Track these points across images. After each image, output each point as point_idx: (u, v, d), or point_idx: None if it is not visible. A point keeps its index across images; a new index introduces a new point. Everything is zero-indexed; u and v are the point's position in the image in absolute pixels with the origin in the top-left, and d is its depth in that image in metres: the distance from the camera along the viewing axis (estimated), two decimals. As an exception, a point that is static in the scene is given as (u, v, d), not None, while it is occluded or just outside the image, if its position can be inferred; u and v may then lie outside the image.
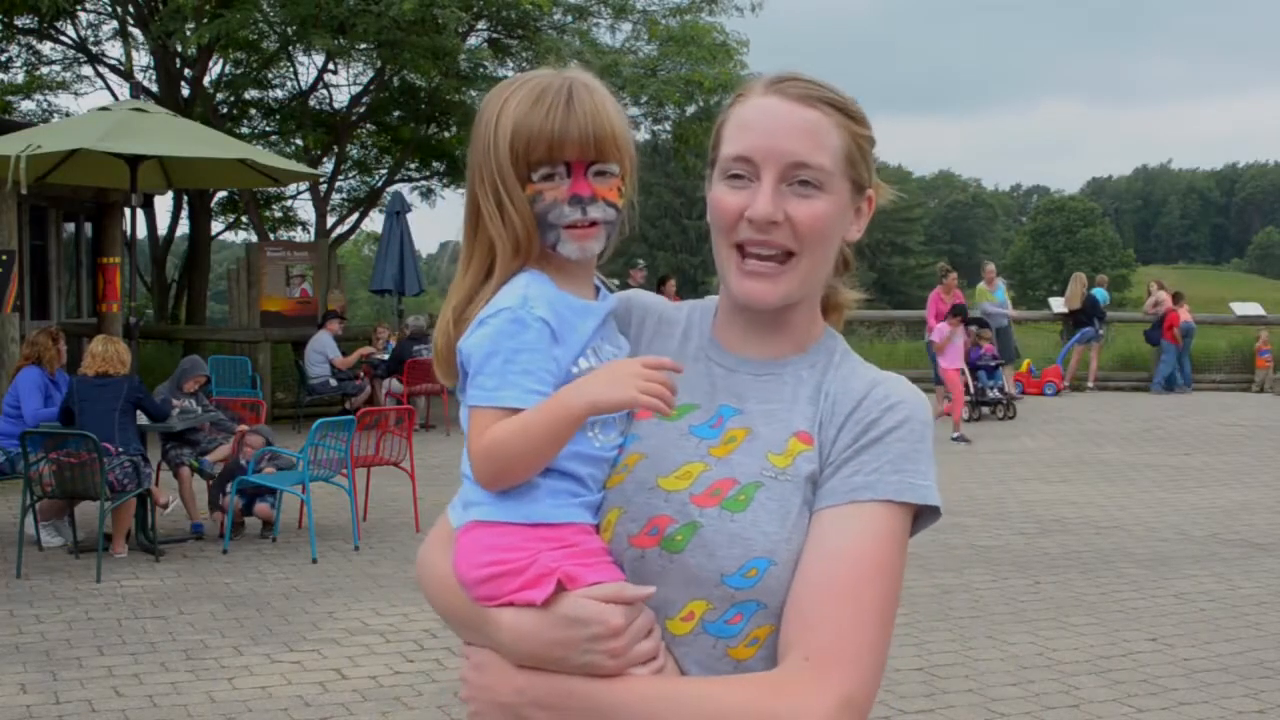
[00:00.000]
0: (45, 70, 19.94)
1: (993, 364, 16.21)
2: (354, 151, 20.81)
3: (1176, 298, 19.68)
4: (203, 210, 19.11)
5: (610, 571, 1.47)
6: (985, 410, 15.88)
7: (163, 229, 21.00)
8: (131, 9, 17.28)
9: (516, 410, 1.46)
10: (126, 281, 13.82)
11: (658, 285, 16.41)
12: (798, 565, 1.47)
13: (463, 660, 1.57)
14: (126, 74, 18.52)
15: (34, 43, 19.10)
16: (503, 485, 1.48)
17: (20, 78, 19.85)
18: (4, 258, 11.51)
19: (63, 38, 18.82)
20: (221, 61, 18.32)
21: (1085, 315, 19.44)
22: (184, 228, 21.03)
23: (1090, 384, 19.52)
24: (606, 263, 1.60)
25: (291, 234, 22.17)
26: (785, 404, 1.57)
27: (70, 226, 15.26)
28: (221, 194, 20.25)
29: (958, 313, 14.24)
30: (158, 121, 9.85)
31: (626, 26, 17.62)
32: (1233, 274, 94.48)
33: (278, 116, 19.92)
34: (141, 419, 8.35)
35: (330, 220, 19.80)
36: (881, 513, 1.49)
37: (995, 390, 16.09)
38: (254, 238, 19.22)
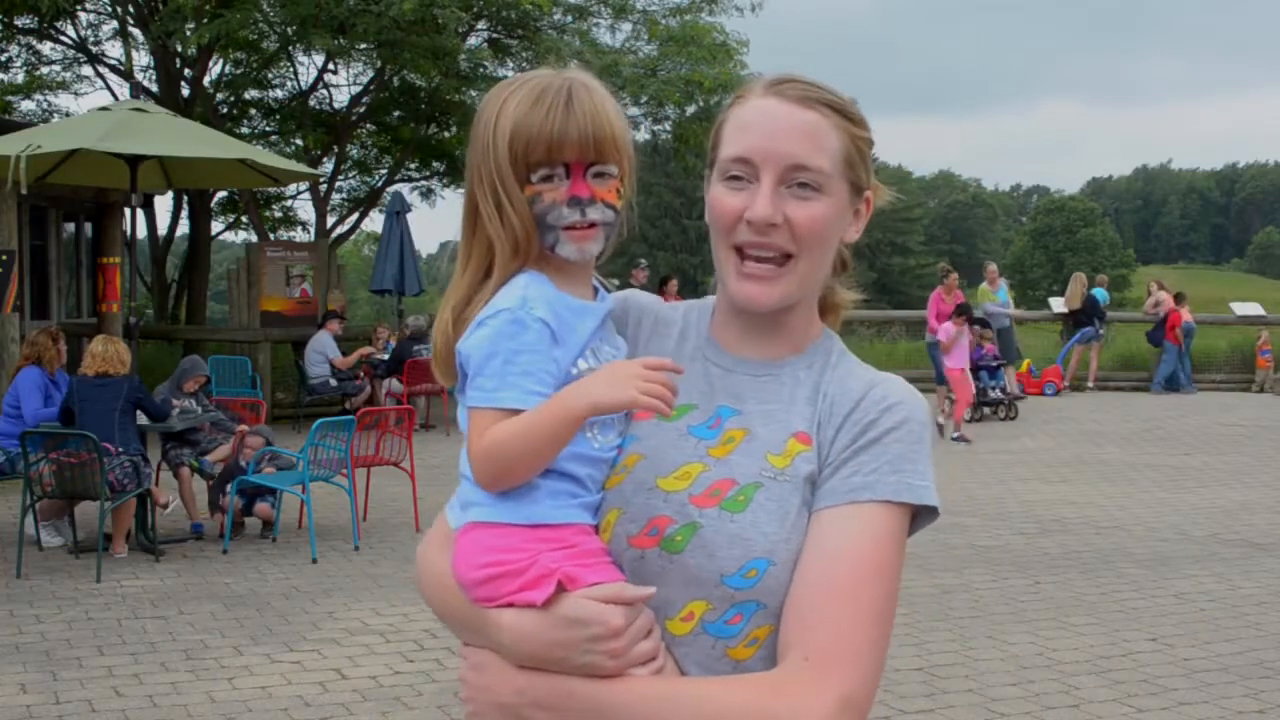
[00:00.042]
0: (45, 70, 19.94)
1: (994, 364, 16.21)
2: (354, 151, 20.79)
3: (1179, 298, 19.69)
4: (203, 210, 19.10)
5: (610, 572, 1.47)
6: (986, 410, 15.89)
7: (163, 229, 21.00)
8: (131, 9, 17.28)
9: (517, 411, 1.46)
10: (126, 281, 13.82)
11: (659, 286, 16.38)
12: (797, 566, 1.48)
13: (461, 661, 1.57)
14: (126, 74, 18.52)
15: (34, 43, 19.09)
16: (503, 486, 1.48)
17: (20, 78, 19.84)
18: (4, 258, 11.51)
19: (63, 38, 18.82)
20: (221, 61, 18.31)
21: (1085, 315, 19.45)
22: (184, 228, 21.06)
23: (1090, 384, 19.52)
24: (607, 263, 1.60)
25: (291, 234, 22.16)
26: (783, 405, 1.57)
27: (70, 226, 15.25)
28: (221, 194, 20.24)
29: (963, 312, 14.22)
30: (158, 121, 9.85)
31: (626, 26, 17.63)
32: (1233, 274, 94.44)
33: (278, 116, 19.91)
34: (141, 419, 8.36)
35: (330, 220, 19.79)
36: (880, 513, 1.49)
37: (997, 390, 16.09)
38: (254, 238, 19.21)
